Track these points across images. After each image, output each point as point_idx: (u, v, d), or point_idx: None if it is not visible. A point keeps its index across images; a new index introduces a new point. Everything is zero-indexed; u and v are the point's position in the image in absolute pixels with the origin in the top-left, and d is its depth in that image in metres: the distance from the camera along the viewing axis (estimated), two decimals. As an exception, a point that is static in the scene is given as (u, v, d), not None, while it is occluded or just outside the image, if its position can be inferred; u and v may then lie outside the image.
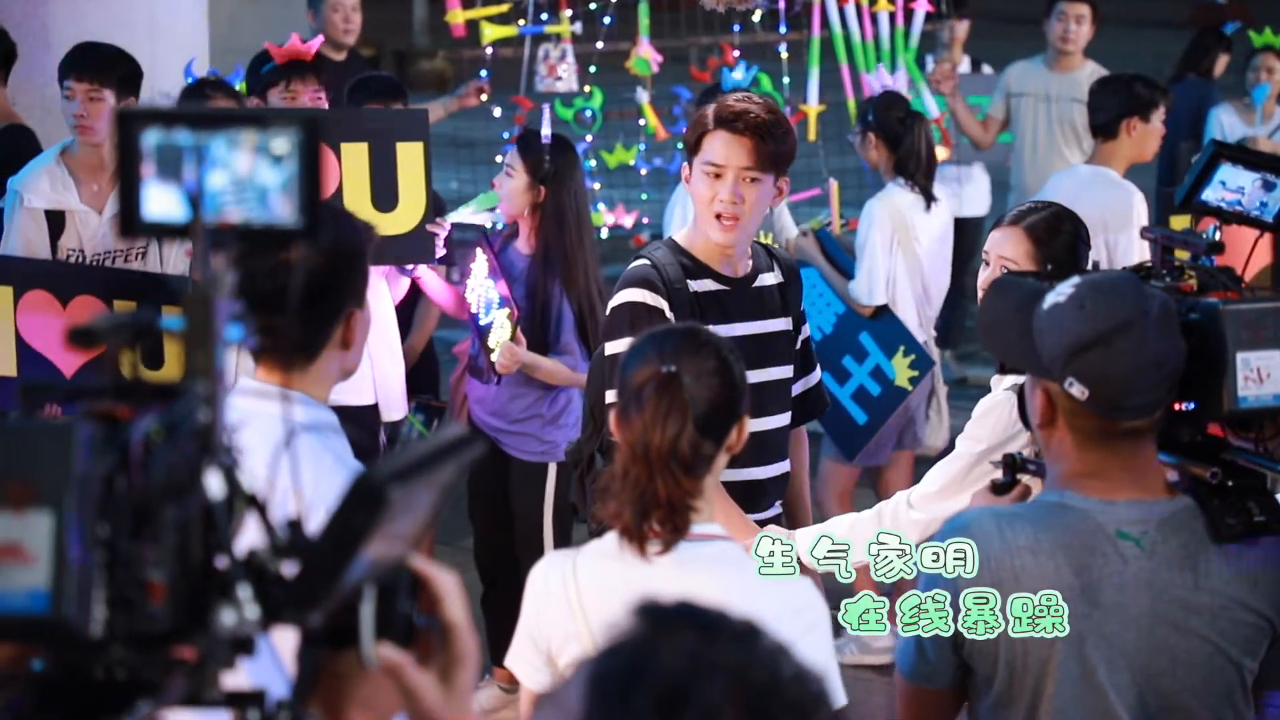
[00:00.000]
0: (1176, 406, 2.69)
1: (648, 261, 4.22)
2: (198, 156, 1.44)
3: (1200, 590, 2.69)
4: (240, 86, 6.61)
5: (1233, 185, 3.13)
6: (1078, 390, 2.62)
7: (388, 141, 5.46)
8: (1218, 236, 3.13)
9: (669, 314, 4.10)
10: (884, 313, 6.40)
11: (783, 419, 4.33)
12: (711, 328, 3.84)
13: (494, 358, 5.62)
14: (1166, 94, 6.70)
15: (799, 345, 4.41)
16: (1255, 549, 2.72)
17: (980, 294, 4.10)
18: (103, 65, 5.91)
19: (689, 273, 4.21)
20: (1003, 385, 3.92)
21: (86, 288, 5.08)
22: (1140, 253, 6.22)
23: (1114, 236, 6.33)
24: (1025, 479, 3.10)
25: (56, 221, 5.84)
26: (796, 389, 4.42)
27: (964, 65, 9.64)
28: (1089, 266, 4.07)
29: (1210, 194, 3.17)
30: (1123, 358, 2.60)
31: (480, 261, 5.69)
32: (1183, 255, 3.11)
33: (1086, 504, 2.69)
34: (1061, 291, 2.68)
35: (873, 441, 6.45)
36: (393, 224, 5.38)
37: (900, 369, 6.34)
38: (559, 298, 5.67)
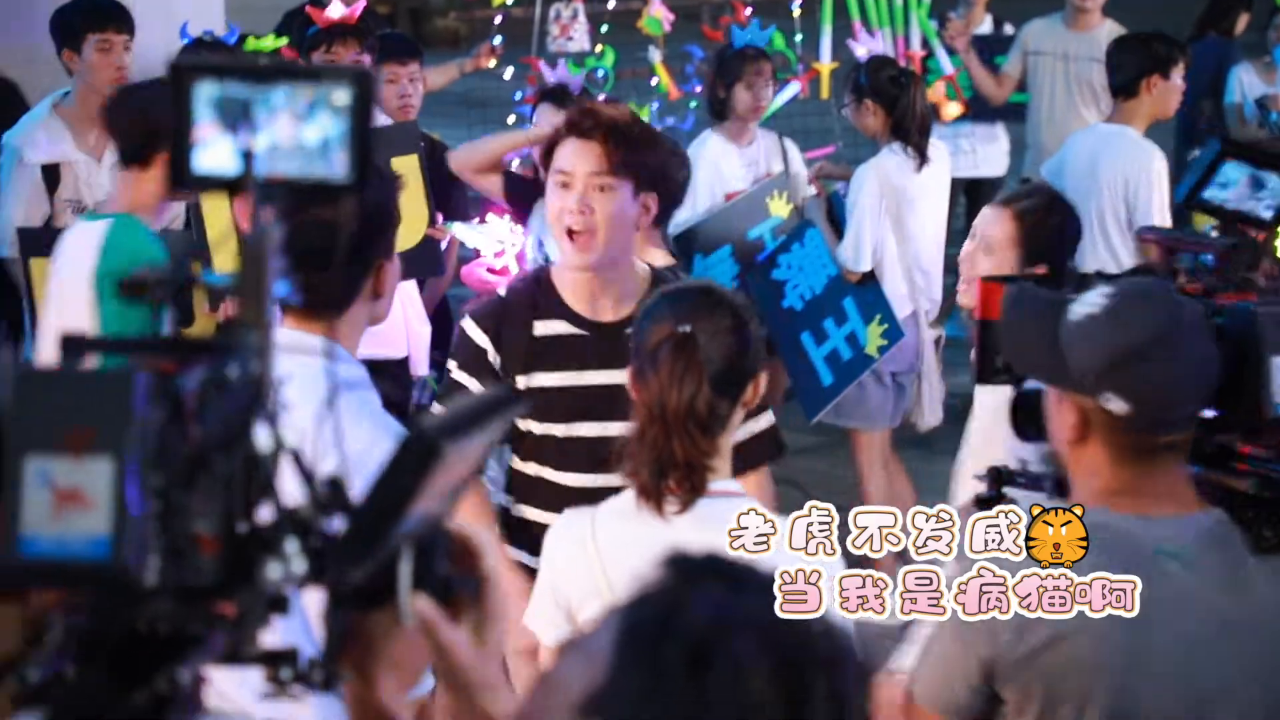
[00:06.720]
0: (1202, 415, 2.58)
1: (503, 293, 3.92)
2: (250, 110, 1.44)
3: (1243, 604, 2.57)
4: (255, 44, 6.60)
5: (1232, 183, 3.09)
6: (1117, 405, 2.49)
7: (381, 160, 5.31)
8: (1213, 235, 3.08)
9: (490, 356, 3.80)
10: (870, 279, 6.40)
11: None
12: (549, 373, 3.70)
13: None
14: (1185, 50, 6.66)
15: None
16: None
17: (961, 266, 4.05)
18: (128, 16, 6.02)
19: (540, 311, 3.83)
20: (984, 393, 3.77)
21: None
22: (1160, 212, 6.21)
23: (1134, 196, 6.28)
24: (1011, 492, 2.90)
25: (52, 175, 5.92)
26: (740, 436, 3.67)
27: (986, 24, 9.58)
28: (1092, 269, 4.01)
29: (1211, 193, 3.12)
30: (1163, 369, 2.48)
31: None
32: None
33: (1124, 522, 2.55)
34: (1092, 302, 2.53)
35: (835, 404, 6.44)
36: (398, 241, 5.33)
37: (872, 337, 6.35)
38: None
